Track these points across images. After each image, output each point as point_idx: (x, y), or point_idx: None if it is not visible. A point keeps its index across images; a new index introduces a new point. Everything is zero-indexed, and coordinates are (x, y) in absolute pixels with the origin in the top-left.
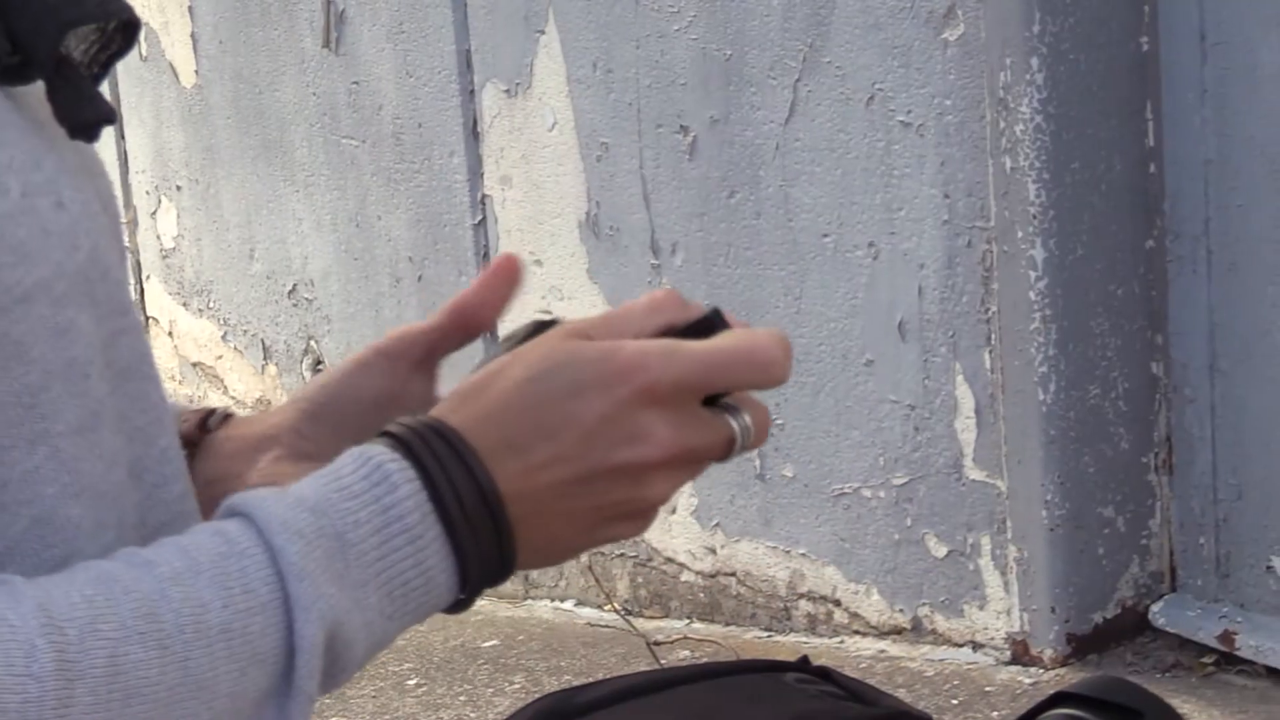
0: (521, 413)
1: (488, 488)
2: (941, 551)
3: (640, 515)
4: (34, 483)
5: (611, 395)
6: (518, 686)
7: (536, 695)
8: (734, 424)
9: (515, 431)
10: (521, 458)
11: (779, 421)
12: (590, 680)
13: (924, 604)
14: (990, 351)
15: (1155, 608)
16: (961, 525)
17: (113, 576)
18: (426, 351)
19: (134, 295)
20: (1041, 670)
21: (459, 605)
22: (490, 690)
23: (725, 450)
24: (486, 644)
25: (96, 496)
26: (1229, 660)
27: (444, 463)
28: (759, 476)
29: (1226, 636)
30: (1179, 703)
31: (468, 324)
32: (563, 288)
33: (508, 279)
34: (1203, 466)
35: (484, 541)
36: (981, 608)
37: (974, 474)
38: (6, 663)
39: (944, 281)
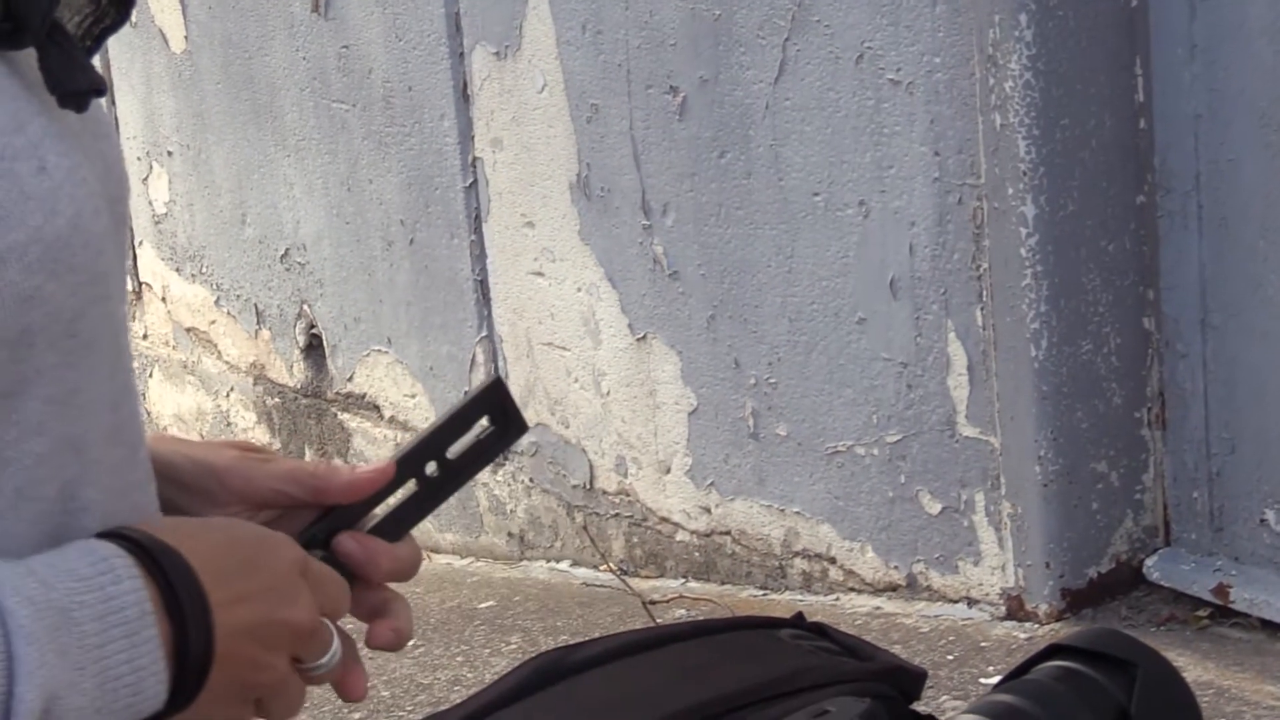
0: (233, 550)
1: (202, 603)
2: (935, 508)
3: (259, 692)
4: None
5: (294, 559)
6: (514, 647)
7: (533, 655)
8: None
9: (223, 565)
10: (226, 586)
11: (772, 381)
12: (586, 639)
13: (919, 561)
14: (982, 308)
15: (1150, 562)
16: (955, 482)
17: None
18: (274, 496)
19: (128, 261)
20: (1036, 625)
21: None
22: (487, 651)
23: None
24: (483, 605)
25: (2, 463)
26: (1224, 613)
27: (170, 573)
28: (753, 435)
29: (1221, 590)
30: (1174, 656)
31: (324, 497)
32: (554, 249)
33: (375, 486)
34: (1195, 421)
35: (193, 656)
36: (976, 564)
37: (967, 430)
38: None
39: (935, 239)
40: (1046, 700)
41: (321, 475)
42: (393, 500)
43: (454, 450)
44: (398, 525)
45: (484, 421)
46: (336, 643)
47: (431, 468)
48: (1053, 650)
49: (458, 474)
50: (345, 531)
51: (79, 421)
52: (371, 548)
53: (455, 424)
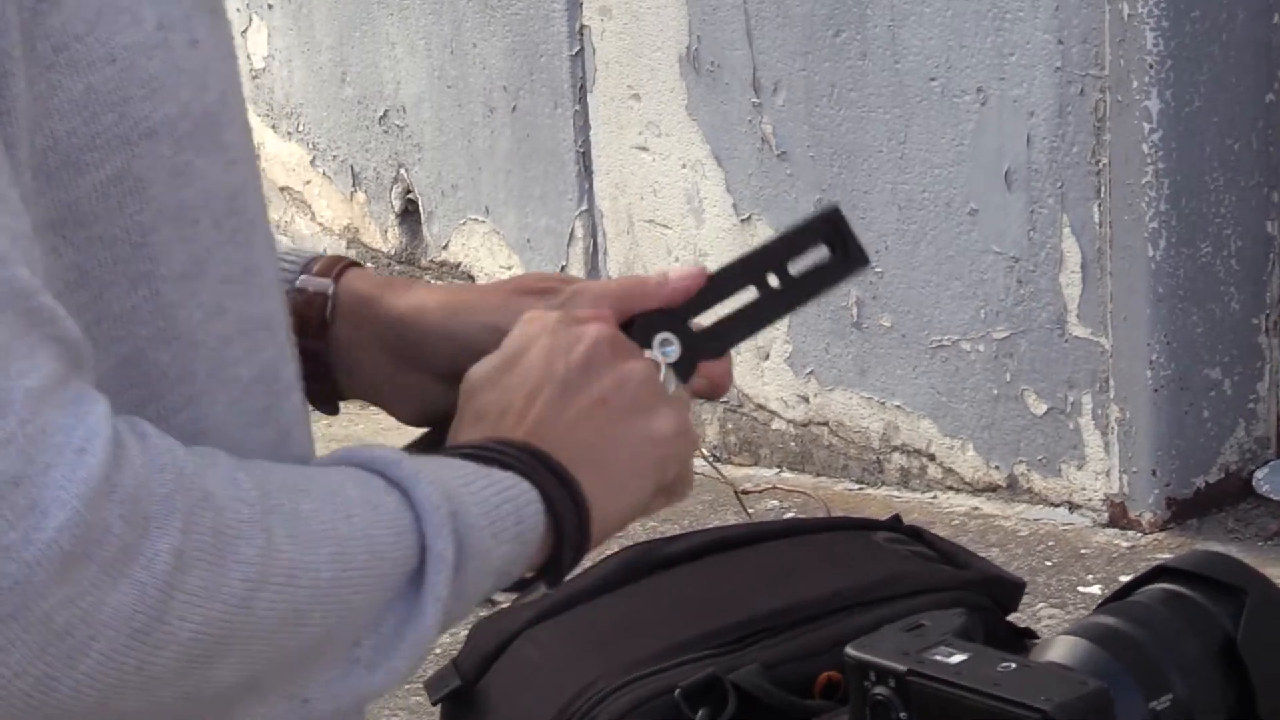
0: (494, 385)
1: (503, 440)
2: (1041, 409)
3: (665, 434)
4: (128, 322)
5: (532, 333)
6: None
7: (624, 543)
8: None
9: (495, 396)
10: (510, 409)
11: (878, 269)
12: (677, 529)
13: (1021, 462)
14: (1099, 204)
15: (1260, 474)
16: (1063, 383)
17: (249, 461)
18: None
19: None
20: (1139, 534)
21: (558, 558)
22: None
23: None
24: None
25: (190, 345)
26: None
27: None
28: (855, 325)
29: None
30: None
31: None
32: (660, 124)
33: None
34: None
35: (542, 470)
36: (1080, 468)
37: (1077, 330)
38: (221, 485)
39: (1054, 130)
40: (1150, 624)
41: (630, 286)
42: (722, 310)
43: (795, 269)
44: (726, 335)
45: (824, 250)
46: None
47: (774, 281)
48: (1158, 572)
49: (801, 290)
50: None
51: (262, 302)
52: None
53: (790, 244)
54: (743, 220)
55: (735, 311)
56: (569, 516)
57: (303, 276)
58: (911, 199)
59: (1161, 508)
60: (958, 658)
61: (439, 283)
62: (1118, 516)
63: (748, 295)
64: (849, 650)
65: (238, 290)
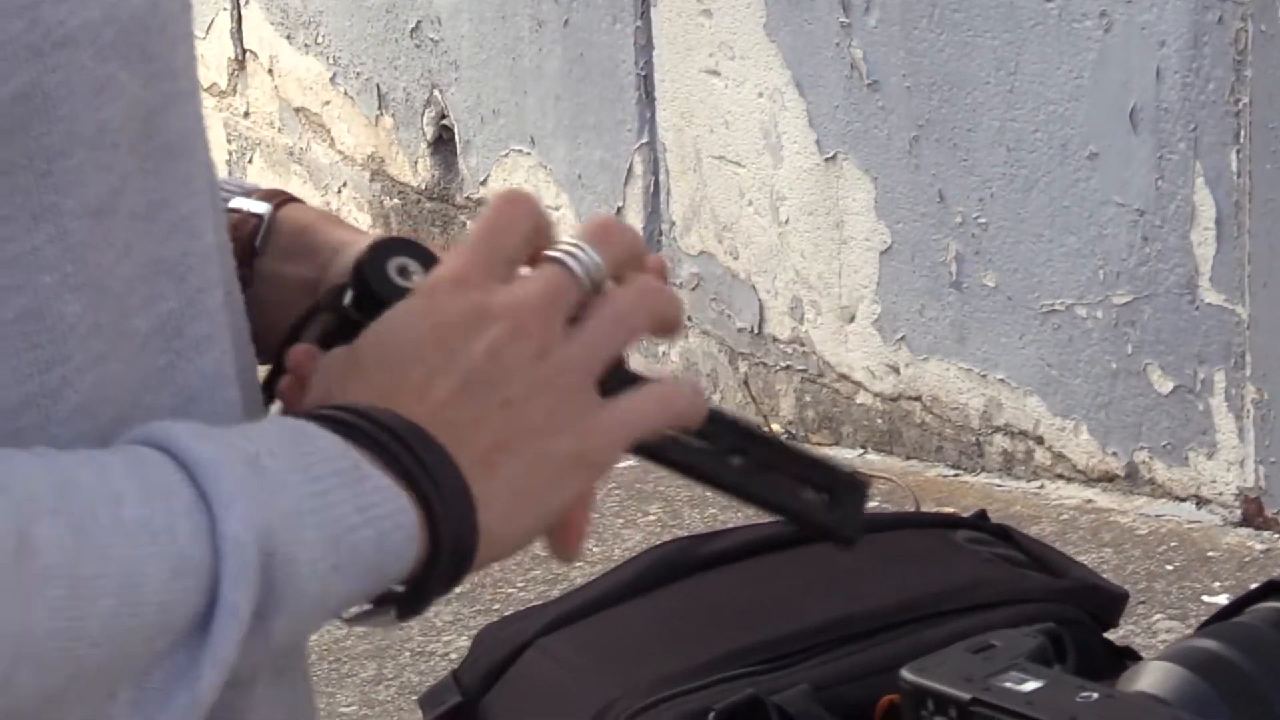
0: (377, 366)
1: (397, 419)
2: (1166, 386)
3: (577, 437)
4: (30, 267)
5: (435, 309)
6: (652, 518)
7: (674, 530)
8: (560, 255)
9: (380, 379)
10: (400, 392)
11: (981, 220)
12: (729, 523)
13: (1142, 448)
14: (1238, 151)
15: None
16: (1192, 357)
17: (10, 453)
18: None
19: (229, 24)
20: (1276, 535)
21: (425, 584)
22: (620, 521)
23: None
24: (622, 464)
25: (99, 292)
26: None
27: (346, 416)
28: (954, 284)
29: None
30: None
31: None
32: (734, 44)
33: None
34: None
35: (435, 475)
36: (1210, 456)
37: (1210, 297)
38: None
39: (1187, 64)
40: (1258, 650)
41: None
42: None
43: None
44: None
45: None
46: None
47: (737, 460)
48: (1272, 588)
49: (757, 492)
50: None
51: (167, 242)
52: None
53: (794, 461)
54: (827, 159)
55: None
56: (450, 542)
57: (238, 198)
58: (1022, 139)
59: None
60: (1030, 685)
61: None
62: (1252, 514)
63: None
64: (905, 673)
65: (141, 227)
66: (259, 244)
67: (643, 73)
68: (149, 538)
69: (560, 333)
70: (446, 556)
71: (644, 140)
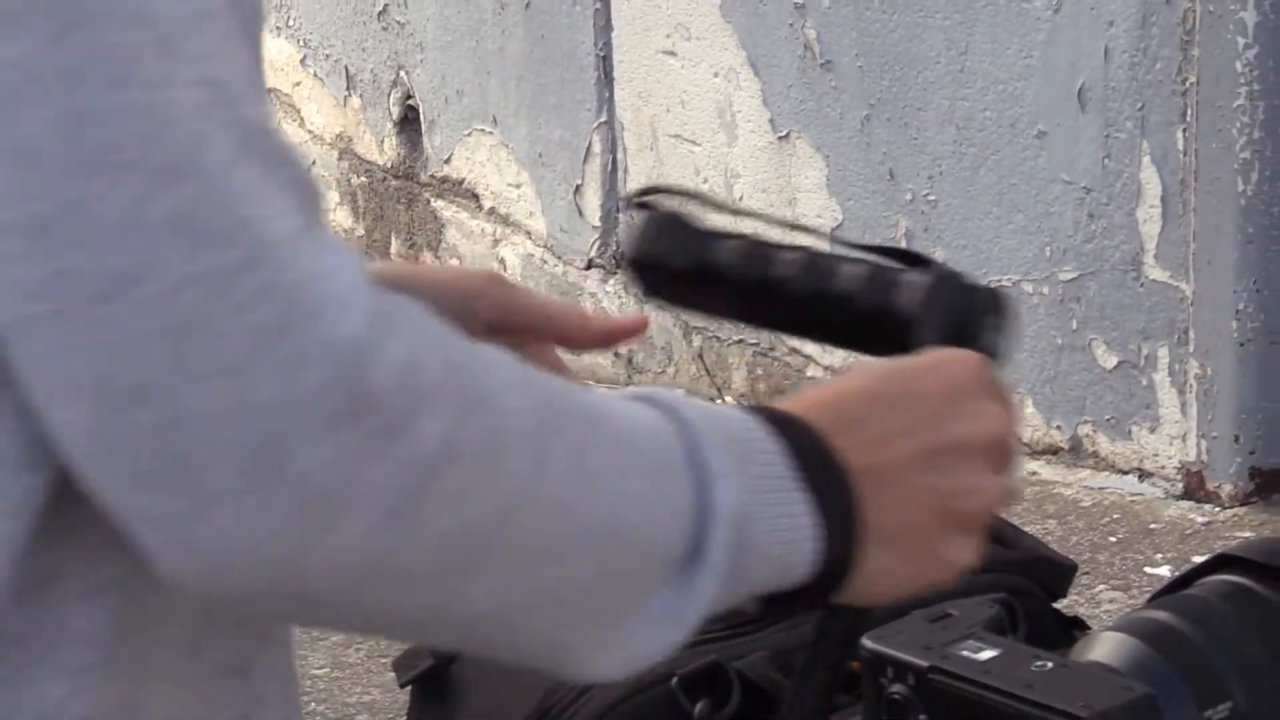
0: (860, 394)
1: (828, 449)
2: (1111, 361)
3: (972, 523)
4: None
5: (952, 377)
6: None
7: None
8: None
9: (854, 410)
10: (861, 430)
11: (931, 197)
12: None
13: (1086, 421)
14: (1184, 130)
15: None
16: (1136, 333)
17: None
18: (527, 325)
19: None
20: (1217, 508)
21: (816, 589)
22: None
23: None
24: None
25: None
26: None
27: (787, 431)
28: None
29: None
30: None
31: (569, 340)
32: (690, 25)
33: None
34: None
35: (832, 500)
36: (1153, 430)
37: (1155, 274)
38: (500, 395)
39: (1135, 44)
40: (1208, 622)
41: (572, 318)
42: None
43: None
44: None
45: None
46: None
47: None
48: (1222, 561)
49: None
50: None
51: None
52: None
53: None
54: (780, 138)
55: None
56: (823, 581)
57: None
58: (971, 118)
59: (1244, 479)
60: (987, 654)
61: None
62: (1194, 487)
63: None
64: (865, 641)
65: None
66: None
67: (602, 53)
68: (657, 480)
69: (999, 474)
70: (814, 586)
71: (602, 119)
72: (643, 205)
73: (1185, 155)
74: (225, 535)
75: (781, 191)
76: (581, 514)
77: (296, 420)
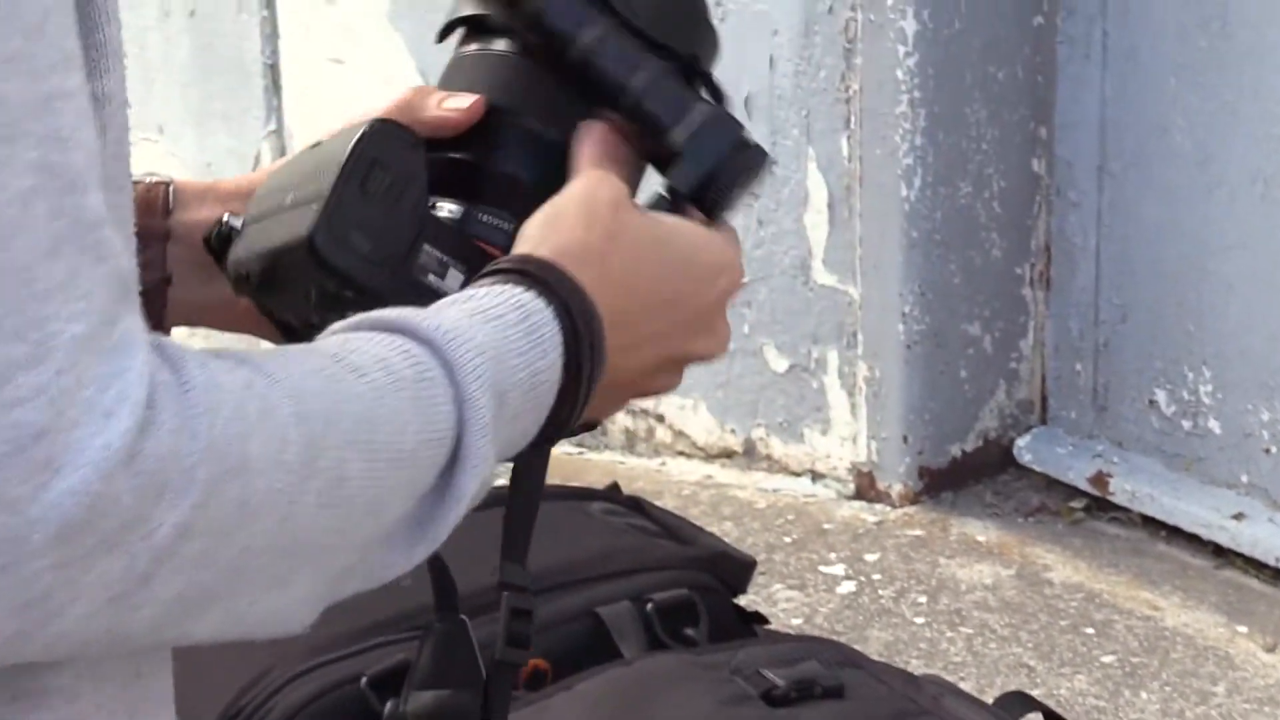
0: (634, 290)
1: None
2: (782, 365)
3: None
4: None
5: (714, 289)
6: None
7: None
8: None
9: (628, 305)
10: (621, 331)
11: None
12: None
13: (759, 425)
14: (849, 137)
15: (1021, 442)
16: (806, 336)
17: (337, 377)
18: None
19: None
20: (888, 508)
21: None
22: None
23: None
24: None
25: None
26: (1100, 506)
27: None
28: None
29: (1099, 479)
30: (1042, 552)
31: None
32: (357, 31)
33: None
34: (1084, 282)
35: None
36: (824, 433)
37: (823, 278)
38: (264, 450)
39: (799, 52)
40: None
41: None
42: None
43: None
44: None
45: None
46: None
47: None
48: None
49: None
50: None
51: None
52: None
53: None
54: None
55: None
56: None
57: None
58: None
59: (913, 478)
60: None
61: None
62: (865, 488)
63: None
64: None
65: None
66: (169, 204)
67: (269, 61)
68: (412, 469)
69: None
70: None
71: (272, 128)
72: None
73: (850, 161)
74: None
75: None
76: (326, 542)
77: (34, 524)
